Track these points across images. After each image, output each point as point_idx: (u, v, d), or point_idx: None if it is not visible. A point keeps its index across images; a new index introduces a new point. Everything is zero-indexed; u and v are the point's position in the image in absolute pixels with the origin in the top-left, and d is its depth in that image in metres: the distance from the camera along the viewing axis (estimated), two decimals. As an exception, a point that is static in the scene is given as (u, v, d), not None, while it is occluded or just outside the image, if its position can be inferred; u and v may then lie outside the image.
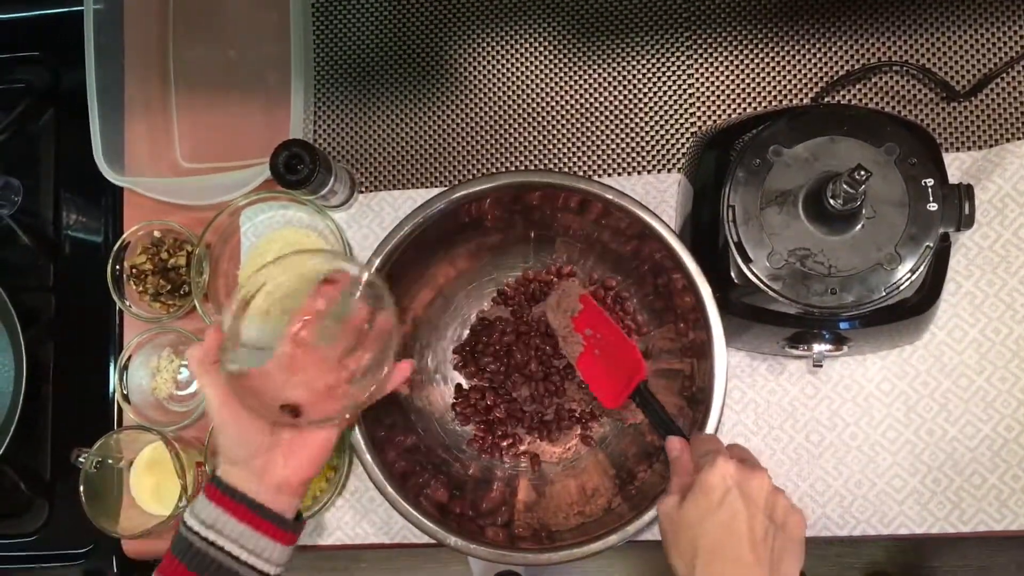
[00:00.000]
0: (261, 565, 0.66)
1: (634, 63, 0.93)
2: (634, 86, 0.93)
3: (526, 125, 0.94)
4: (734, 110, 0.91)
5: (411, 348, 0.90)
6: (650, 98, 0.92)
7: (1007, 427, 0.84)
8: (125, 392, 0.91)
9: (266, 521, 0.67)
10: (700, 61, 0.92)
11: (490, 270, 0.91)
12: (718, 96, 0.92)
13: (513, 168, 0.94)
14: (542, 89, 0.94)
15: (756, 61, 0.92)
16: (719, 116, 0.91)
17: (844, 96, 0.90)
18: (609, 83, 0.93)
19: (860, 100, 0.90)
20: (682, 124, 0.92)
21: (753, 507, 0.61)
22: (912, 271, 0.68)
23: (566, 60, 0.94)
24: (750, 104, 0.91)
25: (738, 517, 0.61)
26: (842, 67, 0.90)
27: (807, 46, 0.91)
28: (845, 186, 0.64)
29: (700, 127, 0.91)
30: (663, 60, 0.93)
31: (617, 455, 0.87)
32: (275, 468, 0.67)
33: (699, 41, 0.92)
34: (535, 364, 0.87)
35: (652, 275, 0.83)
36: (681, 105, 0.92)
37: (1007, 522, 0.83)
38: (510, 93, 0.94)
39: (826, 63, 0.91)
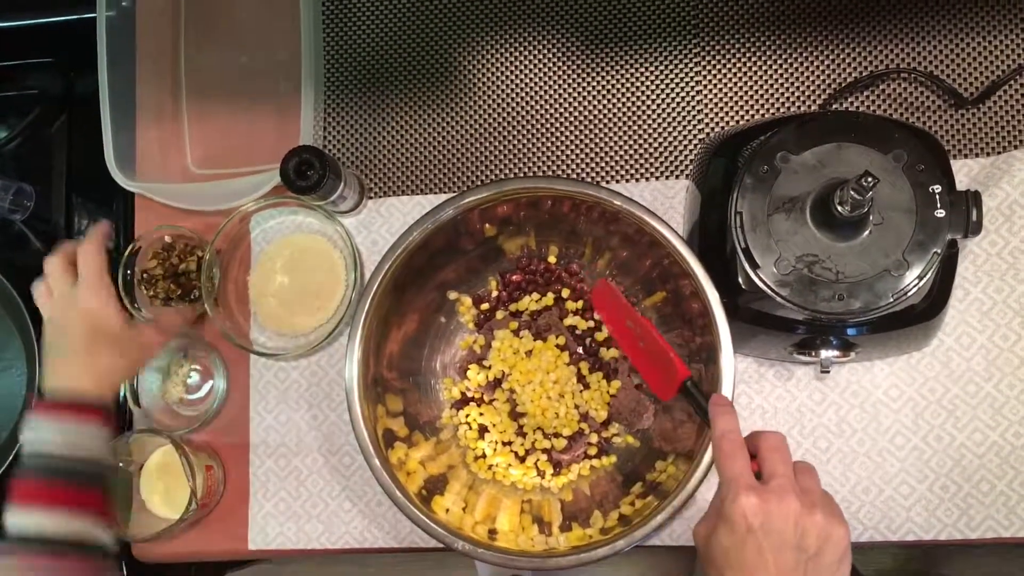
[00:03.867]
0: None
1: (642, 70, 0.93)
2: (642, 93, 0.93)
3: (534, 132, 0.94)
4: (742, 117, 0.92)
5: (419, 353, 0.90)
6: (658, 105, 0.93)
7: (1015, 433, 0.84)
8: (135, 396, 0.91)
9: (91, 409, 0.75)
10: (708, 68, 0.93)
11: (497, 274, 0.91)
12: (726, 103, 0.92)
13: (521, 174, 0.94)
14: (550, 96, 0.95)
15: (764, 68, 0.92)
16: (727, 123, 0.92)
17: (852, 103, 0.90)
18: (617, 90, 0.94)
19: (868, 107, 0.90)
20: (690, 131, 0.92)
21: (778, 541, 0.57)
22: (920, 277, 0.69)
23: (575, 68, 0.94)
24: (758, 111, 0.92)
25: (763, 554, 0.57)
26: (850, 74, 0.91)
27: (815, 53, 0.91)
28: (853, 193, 0.64)
29: (708, 134, 0.92)
30: (671, 67, 0.93)
31: (624, 461, 0.87)
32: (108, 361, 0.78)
33: (707, 48, 0.93)
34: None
35: (660, 281, 0.84)
36: (689, 112, 0.92)
37: (1015, 528, 0.83)
38: (518, 100, 0.95)
39: (834, 70, 0.91)
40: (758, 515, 0.57)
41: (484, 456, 0.89)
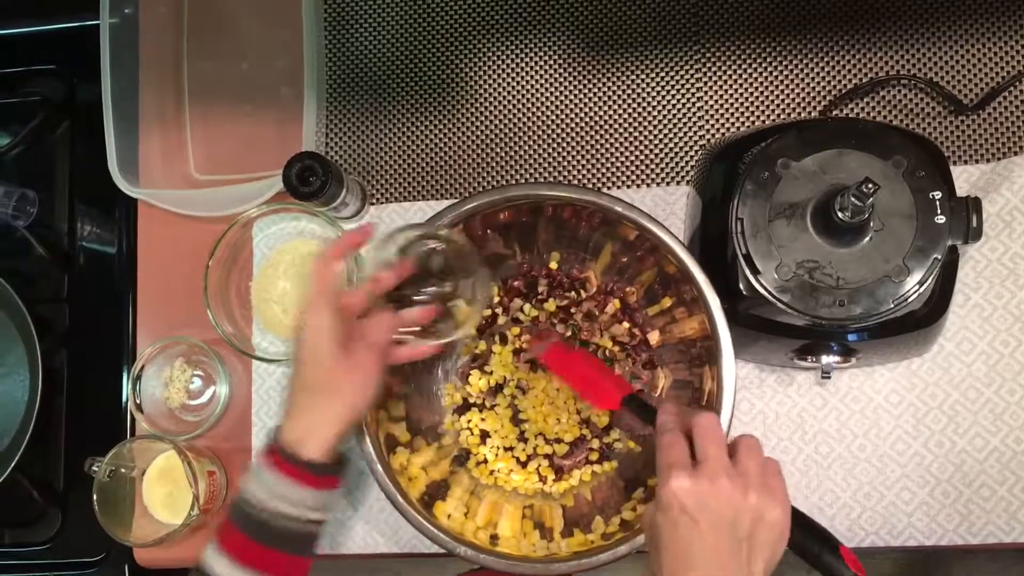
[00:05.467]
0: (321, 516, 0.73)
1: (644, 77, 0.94)
2: (643, 99, 0.93)
3: (536, 138, 0.95)
4: (743, 123, 0.92)
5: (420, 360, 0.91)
6: (659, 111, 0.93)
7: (1016, 439, 0.84)
8: (138, 401, 0.92)
9: (325, 476, 0.71)
10: (709, 75, 0.93)
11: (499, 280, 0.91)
12: (727, 109, 0.92)
13: (523, 180, 0.94)
14: (552, 103, 0.95)
15: (765, 75, 0.92)
16: (728, 129, 0.92)
17: (852, 109, 0.91)
18: (618, 96, 0.94)
19: (868, 113, 0.90)
20: (691, 137, 0.92)
21: (713, 519, 0.58)
22: (920, 283, 0.69)
23: (576, 74, 0.95)
24: (759, 117, 0.92)
25: (699, 532, 0.58)
26: (850, 81, 0.91)
27: (815, 60, 0.92)
28: (853, 199, 0.64)
29: (709, 140, 0.92)
30: (672, 74, 0.93)
31: (626, 466, 0.87)
32: (338, 396, 0.71)
33: (708, 55, 0.93)
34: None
35: (661, 287, 0.84)
36: (690, 118, 0.93)
37: (1016, 534, 0.83)
38: (520, 107, 0.95)
39: (834, 77, 0.91)
40: (689, 495, 0.58)
41: (486, 461, 0.89)
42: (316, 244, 0.93)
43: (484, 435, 0.89)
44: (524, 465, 0.88)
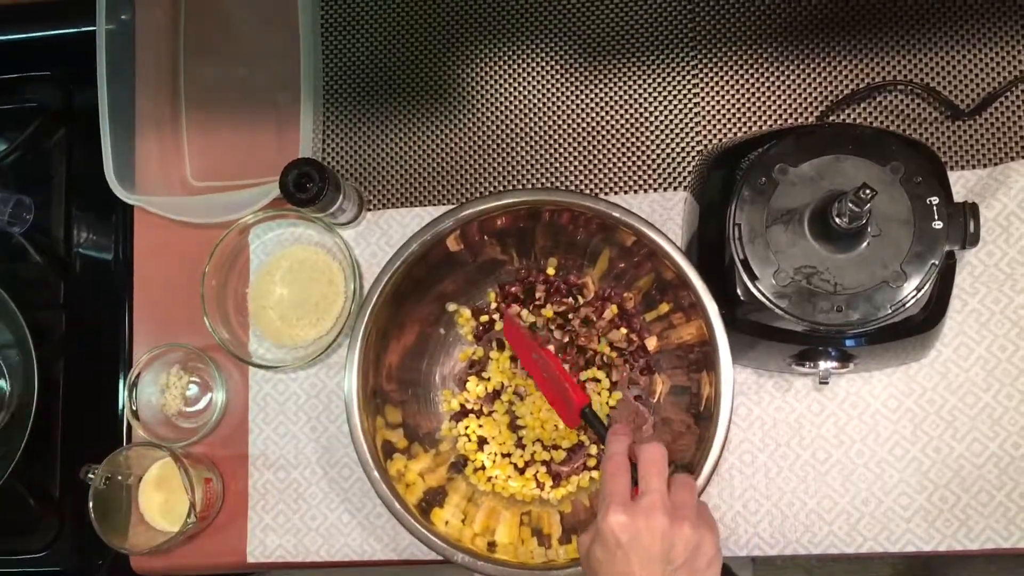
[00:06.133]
0: None
1: (641, 82, 0.94)
2: (641, 105, 0.94)
3: (533, 144, 0.95)
4: (740, 129, 0.92)
5: (418, 365, 0.90)
6: (656, 117, 0.93)
7: (1014, 444, 0.84)
8: (134, 408, 0.91)
9: None
10: (706, 80, 0.93)
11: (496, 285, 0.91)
12: (724, 115, 0.92)
13: (520, 186, 0.94)
14: (549, 108, 0.95)
15: (762, 80, 0.92)
16: (725, 135, 0.92)
17: (849, 115, 0.91)
18: (616, 102, 0.94)
19: (865, 119, 0.91)
20: (688, 143, 0.92)
21: (645, 556, 0.61)
22: (918, 289, 0.69)
23: (573, 80, 0.95)
24: (756, 123, 0.92)
25: (631, 567, 0.61)
26: (847, 86, 0.91)
27: (812, 66, 0.92)
28: (850, 204, 0.64)
29: (706, 146, 0.92)
30: (669, 79, 0.93)
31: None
32: None
33: (705, 60, 0.93)
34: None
35: (658, 292, 0.84)
36: (687, 124, 0.93)
37: (1015, 539, 0.83)
38: (517, 112, 0.95)
39: (831, 83, 0.91)
40: (626, 531, 0.62)
41: (483, 468, 0.89)
42: (313, 250, 0.93)
43: (482, 441, 0.89)
44: (522, 472, 0.88)
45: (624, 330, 0.88)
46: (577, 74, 0.95)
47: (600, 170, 0.93)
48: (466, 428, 0.90)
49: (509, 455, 0.88)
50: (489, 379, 0.90)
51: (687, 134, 0.93)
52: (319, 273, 0.92)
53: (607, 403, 0.87)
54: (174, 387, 0.95)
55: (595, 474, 0.87)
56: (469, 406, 0.90)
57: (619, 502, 0.63)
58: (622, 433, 0.70)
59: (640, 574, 0.61)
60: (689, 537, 0.62)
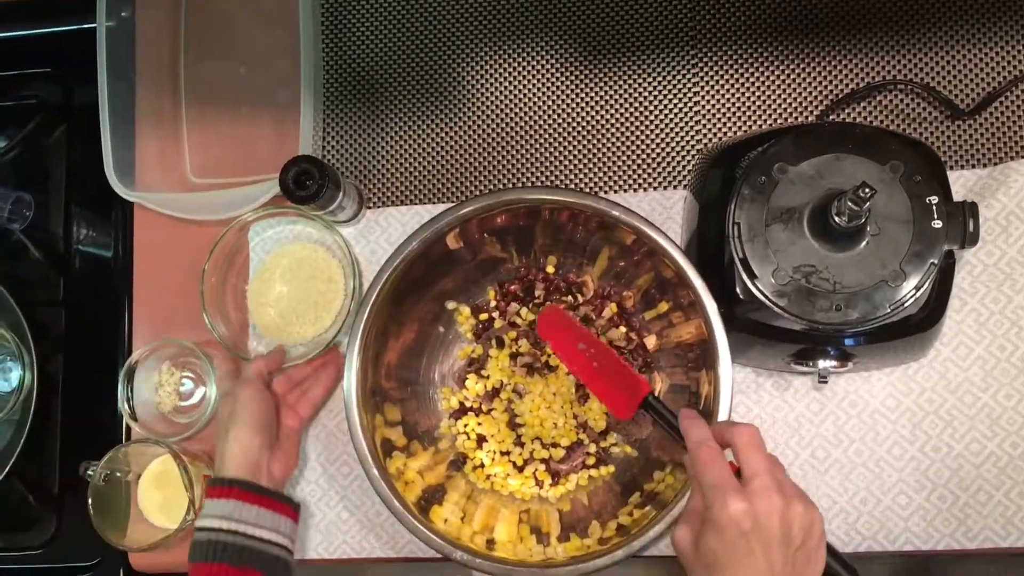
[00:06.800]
0: (281, 540, 0.77)
1: (641, 81, 0.94)
2: (640, 103, 0.94)
3: (532, 142, 0.95)
4: (740, 128, 0.92)
5: (418, 362, 0.90)
6: (656, 115, 0.93)
7: (1012, 444, 0.84)
8: (130, 402, 0.91)
9: (274, 500, 0.78)
10: (706, 79, 0.93)
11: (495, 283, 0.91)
12: (724, 114, 0.92)
13: (520, 185, 0.94)
14: (548, 107, 0.95)
15: (762, 79, 0.92)
16: (725, 134, 0.92)
17: (849, 114, 0.91)
18: (616, 100, 0.94)
19: (865, 118, 0.91)
20: (688, 141, 0.92)
21: (767, 538, 0.59)
22: (917, 288, 0.69)
23: (572, 78, 0.95)
24: (755, 122, 0.92)
25: (754, 553, 0.59)
26: (847, 86, 0.91)
27: (812, 65, 0.92)
28: (850, 203, 0.64)
29: (706, 144, 0.92)
30: (669, 78, 0.93)
31: (623, 471, 0.87)
32: (269, 466, 0.81)
33: (705, 59, 0.93)
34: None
35: (658, 291, 0.84)
36: (687, 122, 0.93)
37: (1013, 539, 0.83)
38: (516, 111, 0.95)
39: (831, 82, 0.91)
40: (747, 518, 0.59)
41: (482, 466, 0.89)
42: (313, 248, 0.93)
43: (480, 439, 0.89)
44: (521, 469, 0.88)
45: (623, 328, 0.88)
46: (577, 73, 0.95)
47: (600, 168, 0.93)
48: (465, 426, 0.90)
49: (508, 453, 0.89)
50: (488, 377, 0.90)
51: (687, 133, 0.93)
52: (319, 271, 0.92)
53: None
54: (167, 384, 0.95)
55: (594, 472, 0.87)
56: (468, 404, 0.90)
57: (732, 488, 0.60)
58: (696, 416, 0.67)
59: (764, 560, 0.59)
60: (803, 515, 0.60)
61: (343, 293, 0.91)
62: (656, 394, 0.75)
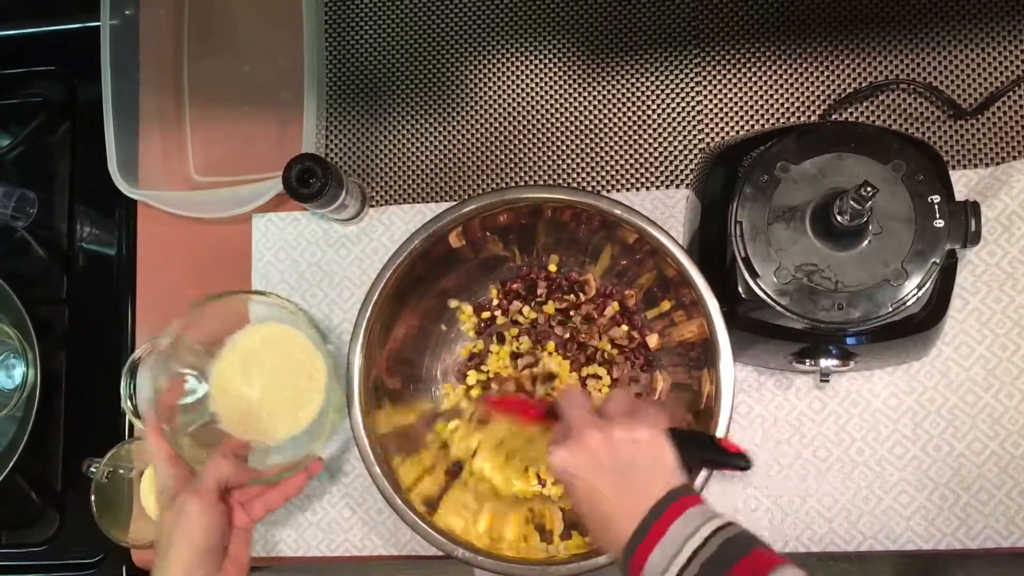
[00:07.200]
0: None
1: (643, 79, 0.94)
2: (643, 102, 0.94)
3: (536, 141, 0.95)
4: (742, 127, 0.92)
5: (420, 360, 0.91)
6: (659, 114, 0.93)
7: (1014, 443, 0.84)
8: (132, 399, 0.91)
9: None
10: (709, 78, 0.93)
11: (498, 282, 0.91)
12: (726, 113, 0.92)
13: (522, 183, 0.94)
14: (552, 105, 0.95)
15: (764, 78, 0.92)
16: (727, 132, 0.92)
17: (851, 113, 0.91)
18: (618, 99, 0.94)
19: (867, 117, 0.91)
20: (690, 140, 0.92)
21: (594, 471, 0.63)
22: (919, 287, 0.69)
23: (576, 76, 0.95)
24: (758, 121, 0.92)
25: (589, 490, 0.64)
26: (849, 85, 0.91)
27: (815, 64, 0.92)
28: (852, 202, 0.64)
29: (708, 143, 0.92)
30: (672, 77, 0.94)
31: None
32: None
33: (708, 58, 0.93)
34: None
35: (660, 290, 0.84)
36: (689, 121, 0.93)
37: (1014, 538, 0.83)
38: (520, 109, 0.95)
39: (833, 81, 0.91)
40: (567, 460, 0.64)
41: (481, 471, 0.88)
42: (284, 328, 0.83)
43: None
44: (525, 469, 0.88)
45: (625, 327, 0.88)
46: (581, 72, 0.95)
47: (602, 167, 0.93)
48: (453, 432, 0.89)
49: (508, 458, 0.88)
50: (488, 372, 0.89)
51: (689, 132, 0.93)
52: (298, 361, 0.82)
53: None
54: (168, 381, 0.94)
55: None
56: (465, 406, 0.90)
57: (552, 442, 0.66)
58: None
59: (600, 485, 0.63)
60: (622, 436, 0.64)
61: (324, 392, 0.81)
62: (658, 395, 0.76)
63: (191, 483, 0.71)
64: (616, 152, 0.93)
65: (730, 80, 0.93)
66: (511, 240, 0.87)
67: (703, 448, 0.69)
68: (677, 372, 0.86)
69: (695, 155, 0.92)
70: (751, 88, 0.92)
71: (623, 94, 0.94)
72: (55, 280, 1.02)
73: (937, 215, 0.69)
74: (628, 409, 0.67)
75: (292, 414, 0.80)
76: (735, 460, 0.67)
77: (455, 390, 0.91)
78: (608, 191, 0.93)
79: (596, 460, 0.64)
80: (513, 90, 0.96)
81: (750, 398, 0.87)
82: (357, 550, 0.91)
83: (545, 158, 0.94)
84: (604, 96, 0.94)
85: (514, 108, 0.95)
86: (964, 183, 0.87)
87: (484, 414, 0.86)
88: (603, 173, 0.93)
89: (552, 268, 0.90)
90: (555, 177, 0.94)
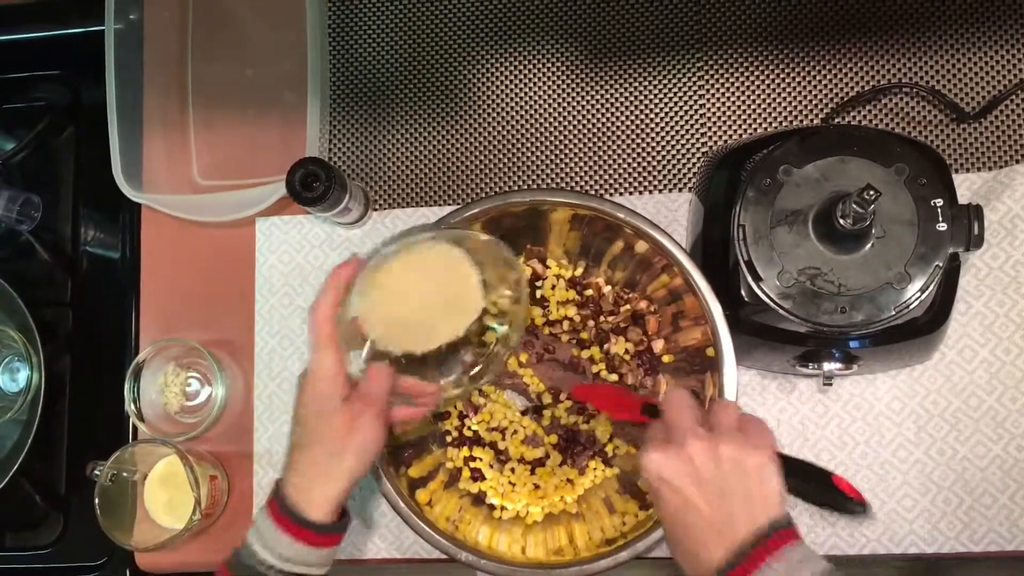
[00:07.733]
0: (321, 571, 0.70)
1: (646, 83, 0.94)
2: (646, 106, 0.94)
3: (539, 144, 0.95)
4: (745, 130, 0.92)
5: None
6: (662, 118, 0.93)
7: (1018, 447, 0.84)
8: (136, 402, 0.91)
9: (327, 535, 0.69)
10: (711, 81, 0.93)
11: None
12: (729, 116, 0.92)
13: (525, 187, 0.94)
14: (554, 109, 0.95)
15: (767, 82, 0.92)
16: (730, 136, 0.92)
17: (854, 117, 0.91)
18: (621, 103, 0.94)
19: (870, 121, 0.91)
20: (693, 144, 0.93)
21: (689, 484, 0.59)
22: (922, 290, 0.69)
23: (579, 80, 0.95)
24: (761, 124, 0.92)
25: (678, 502, 0.60)
26: (852, 88, 0.91)
27: (818, 67, 0.92)
28: (855, 206, 0.64)
29: (711, 147, 0.92)
30: (675, 80, 0.94)
31: (627, 475, 0.87)
32: (341, 456, 0.68)
33: (710, 61, 0.93)
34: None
35: (664, 294, 0.84)
36: (692, 125, 0.93)
37: (1018, 542, 0.83)
38: (523, 113, 0.95)
39: (836, 84, 0.91)
40: (663, 466, 0.60)
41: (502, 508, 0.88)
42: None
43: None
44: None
45: (631, 332, 0.88)
46: (582, 75, 0.95)
47: (605, 171, 0.94)
48: (465, 457, 0.89)
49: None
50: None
51: (692, 136, 0.93)
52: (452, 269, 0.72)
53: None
54: (172, 384, 0.95)
55: (598, 475, 0.87)
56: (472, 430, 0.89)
57: (650, 442, 0.62)
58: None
59: (693, 500, 0.59)
60: (730, 456, 0.59)
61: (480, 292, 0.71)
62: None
63: (362, 395, 0.68)
64: (620, 156, 0.93)
65: (733, 84, 0.93)
66: (514, 243, 0.86)
67: (812, 481, 0.63)
68: (681, 376, 0.86)
69: (698, 159, 0.92)
70: (754, 92, 0.93)
71: (627, 98, 0.94)
72: (59, 283, 1.03)
73: (940, 218, 0.69)
74: (738, 425, 0.62)
75: (453, 318, 0.71)
76: (850, 506, 0.61)
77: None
78: (611, 194, 0.93)
79: (696, 472, 0.59)
80: (516, 94, 0.96)
81: (753, 402, 0.87)
82: (360, 553, 0.91)
83: (548, 161, 0.95)
84: (608, 100, 0.94)
85: (517, 112, 0.96)
86: (967, 186, 0.87)
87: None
88: (606, 176, 0.93)
89: (556, 271, 0.90)
90: (558, 180, 0.94)
